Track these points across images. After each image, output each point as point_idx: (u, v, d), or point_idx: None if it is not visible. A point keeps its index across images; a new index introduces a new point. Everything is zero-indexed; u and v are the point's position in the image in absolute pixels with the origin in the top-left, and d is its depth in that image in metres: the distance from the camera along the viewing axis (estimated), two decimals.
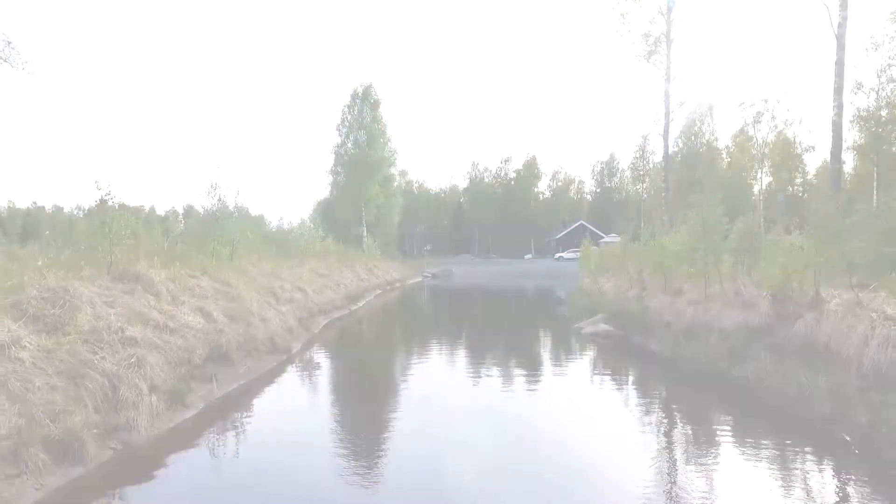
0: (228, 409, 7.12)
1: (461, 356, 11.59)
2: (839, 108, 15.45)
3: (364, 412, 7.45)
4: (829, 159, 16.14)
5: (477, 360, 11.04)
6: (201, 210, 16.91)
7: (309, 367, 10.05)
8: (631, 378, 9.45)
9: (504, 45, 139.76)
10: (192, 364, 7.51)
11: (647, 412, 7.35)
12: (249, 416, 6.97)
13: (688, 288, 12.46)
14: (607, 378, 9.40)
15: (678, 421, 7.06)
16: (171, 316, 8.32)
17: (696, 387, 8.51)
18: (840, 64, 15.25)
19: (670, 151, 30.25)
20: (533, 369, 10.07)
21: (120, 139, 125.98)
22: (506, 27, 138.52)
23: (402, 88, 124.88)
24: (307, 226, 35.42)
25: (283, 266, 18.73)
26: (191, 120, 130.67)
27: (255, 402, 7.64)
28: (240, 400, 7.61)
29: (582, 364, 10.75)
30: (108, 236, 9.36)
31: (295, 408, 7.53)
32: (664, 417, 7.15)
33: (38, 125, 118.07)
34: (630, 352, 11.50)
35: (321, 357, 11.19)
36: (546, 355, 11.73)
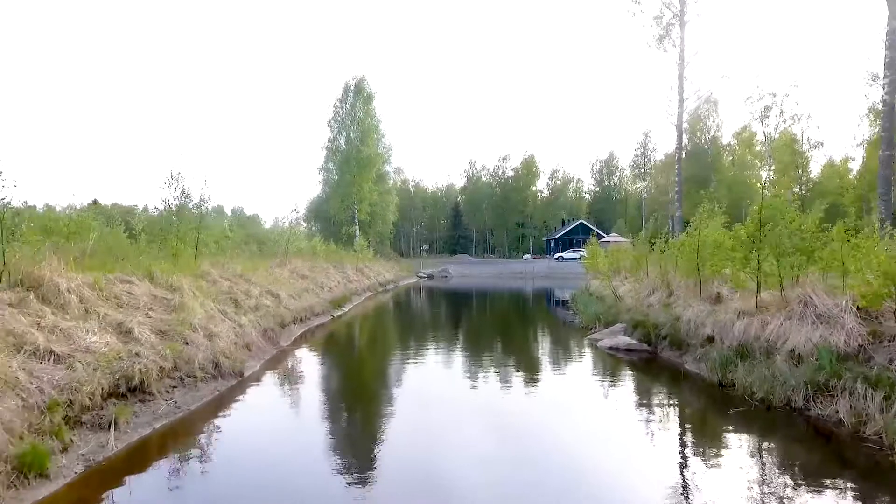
0: (126, 471, 4.99)
1: (461, 371, 9.51)
2: (891, 84, 13.40)
3: (328, 472, 5.35)
4: (882, 148, 14.15)
5: (479, 378, 8.96)
6: (193, 208, 14.65)
7: (263, 398, 7.90)
8: (673, 409, 7.40)
9: (502, 42, 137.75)
10: (79, 406, 5.39)
11: (709, 461, 5.28)
12: (153, 481, 4.85)
13: (728, 294, 10.44)
14: (643, 409, 7.36)
15: (755, 476, 4.95)
16: (65, 336, 6.22)
17: (766, 425, 6.45)
18: (893, 33, 13.22)
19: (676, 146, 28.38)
20: (548, 396, 8.02)
21: (120, 138, 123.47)
22: (504, 24, 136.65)
23: (397, 85, 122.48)
24: (300, 224, 33.34)
25: (259, 267, 16.68)
26: (190, 119, 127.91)
27: (171, 455, 5.51)
28: (150, 453, 5.50)
29: (606, 390, 8.65)
30: None
31: (228, 466, 5.39)
32: (732, 468, 5.05)
33: (37, 124, 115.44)
34: (663, 372, 9.45)
35: (285, 380, 9.06)
36: (561, 378, 9.66)
